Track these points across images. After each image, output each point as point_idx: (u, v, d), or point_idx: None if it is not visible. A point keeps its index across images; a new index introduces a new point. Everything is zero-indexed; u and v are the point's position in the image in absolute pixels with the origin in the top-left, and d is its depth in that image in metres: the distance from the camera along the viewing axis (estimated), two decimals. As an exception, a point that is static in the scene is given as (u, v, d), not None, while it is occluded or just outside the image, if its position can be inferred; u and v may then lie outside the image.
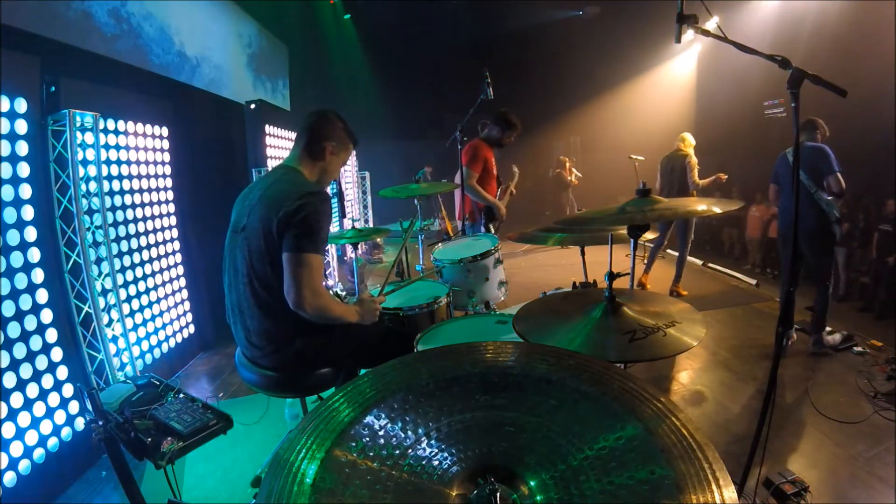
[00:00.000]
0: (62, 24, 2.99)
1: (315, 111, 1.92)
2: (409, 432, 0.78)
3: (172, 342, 3.66)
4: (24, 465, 2.18)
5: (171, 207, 3.74)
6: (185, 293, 3.88)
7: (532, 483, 0.69)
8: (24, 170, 2.31)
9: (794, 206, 1.68)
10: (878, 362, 3.23)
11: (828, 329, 3.59)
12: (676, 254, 7.45)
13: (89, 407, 1.39)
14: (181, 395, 1.67)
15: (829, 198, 3.35)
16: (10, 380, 2.15)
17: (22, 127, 2.30)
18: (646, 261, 5.68)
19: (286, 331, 1.72)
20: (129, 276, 3.18)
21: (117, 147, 3.09)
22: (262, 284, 1.69)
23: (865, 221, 6.50)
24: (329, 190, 2.21)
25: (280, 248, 1.63)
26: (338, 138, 1.89)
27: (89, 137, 2.73)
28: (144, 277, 3.36)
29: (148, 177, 3.44)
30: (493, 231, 3.84)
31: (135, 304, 3.22)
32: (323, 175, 1.90)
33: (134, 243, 3.25)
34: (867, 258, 6.45)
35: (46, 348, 2.38)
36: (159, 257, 3.57)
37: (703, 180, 5.23)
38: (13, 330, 2.20)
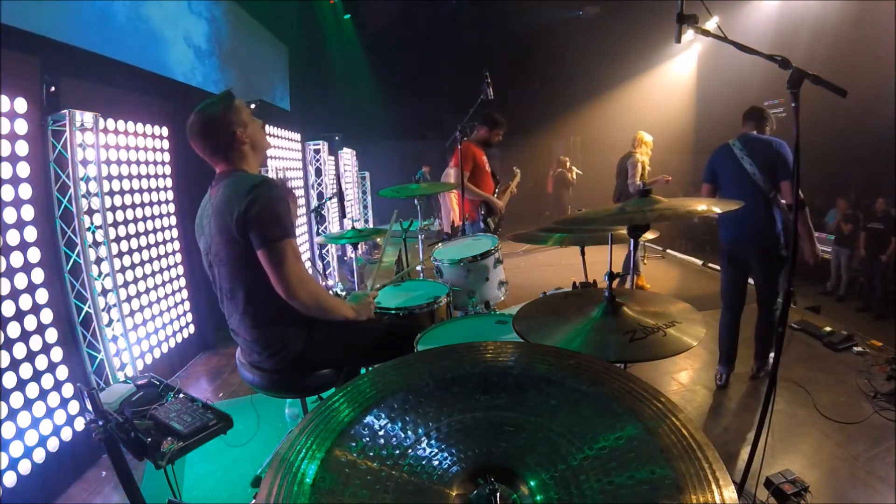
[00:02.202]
0: (73, 25, 2.99)
1: (190, 125, 1.69)
2: (409, 432, 0.78)
3: (172, 342, 3.66)
4: (24, 466, 2.18)
5: (171, 207, 3.74)
6: (185, 293, 3.88)
7: (532, 483, 0.69)
8: (24, 170, 2.31)
9: (794, 211, 1.67)
10: (878, 362, 3.23)
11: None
12: (676, 253, 7.47)
13: (89, 407, 1.39)
14: (181, 395, 1.67)
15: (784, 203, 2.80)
16: (10, 380, 2.15)
17: (22, 127, 2.30)
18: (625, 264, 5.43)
19: (280, 337, 1.71)
20: (129, 276, 3.18)
21: (117, 147, 3.09)
22: (245, 293, 1.66)
23: (865, 221, 6.52)
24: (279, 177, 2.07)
25: (250, 255, 1.58)
26: (233, 119, 1.69)
27: (89, 137, 2.73)
28: (144, 277, 3.36)
29: (148, 177, 3.43)
30: (492, 226, 3.91)
31: (135, 304, 3.22)
32: (256, 154, 1.77)
33: (134, 243, 3.25)
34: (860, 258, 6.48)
35: (46, 348, 2.38)
36: (159, 257, 3.57)
37: (646, 182, 4.96)
38: (13, 330, 2.19)
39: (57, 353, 2.44)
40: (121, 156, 3.13)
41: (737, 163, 2.88)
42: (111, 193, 3.03)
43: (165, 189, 3.66)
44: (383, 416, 0.81)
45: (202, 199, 1.85)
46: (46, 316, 2.40)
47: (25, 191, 2.31)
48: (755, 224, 2.85)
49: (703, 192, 3.16)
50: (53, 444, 2.35)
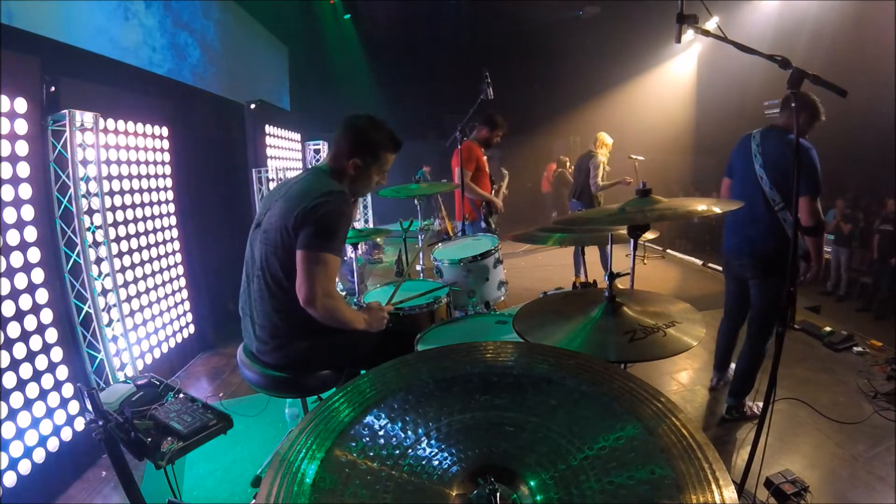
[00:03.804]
0: (71, 24, 2.99)
1: (351, 117, 1.81)
2: (409, 432, 0.78)
3: (172, 342, 3.66)
4: (24, 466, 2.18)
5: (171, 207, 3.74)
6: (185, 293, 3.88)
7: (532, 483, 0.69)
8: (24, 170, 2.31)
9: (795, 211, 1.67)
10: (878, 362, 3.23)
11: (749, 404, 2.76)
12: (676, 253, 7.47)
13: (89, 407, 1.39)
14: (181, 395, 1.67)
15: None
16: (10, 380, 2.15)
17: (22, 127, 2.30)
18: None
19: (291, 328, 1.74)
20: (129, 276, 3.18)
21: (117, 147, 3.09)
22: (274, 280, 1.71)
23: (865, 221, 6.51)
24: None
25: (293, 248, 1.64)
26: (367, 152, 1.78)
27: (89, 137, 2.73)
28: (144, 277, 3.36)
29: (148, 177, 3.43)
30: (492, 224, 3.96)
31: (135, 303, 3.22)
32: (352, 187, 1.82)
33: (134, 243, 3.25)
34: (867, 258, 6.45)
35: (46, 348, 2.38)
36: (159, 257, 3.57)
37: (605, 182, 4.96)
38: (13, 330, 2.19)
39: (57, 353, 2.44)
40: (121, 156, 3.12)
41: (749, 159, 2.48)
42: (111, 193, 3.03)
43: (165, 189, 3.66)
44: (383, 416, 0.81)
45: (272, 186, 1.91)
46: (46, 316, 2.40)
47: (25, 191, 2.31)
48: (754, 236, 2.51)
49: (722, 188, 2.77)
50: (53, 444, 2.35)
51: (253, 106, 4.78)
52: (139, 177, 3.33)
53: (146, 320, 3.33)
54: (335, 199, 1.65)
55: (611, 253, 2.02)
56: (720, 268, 6.32)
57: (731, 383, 2.79)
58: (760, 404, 2.74)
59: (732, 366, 3.13)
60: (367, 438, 0.77)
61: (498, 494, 0.66)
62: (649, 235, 1.98)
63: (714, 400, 3.02)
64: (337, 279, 5.22)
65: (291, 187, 1.76)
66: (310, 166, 1.89)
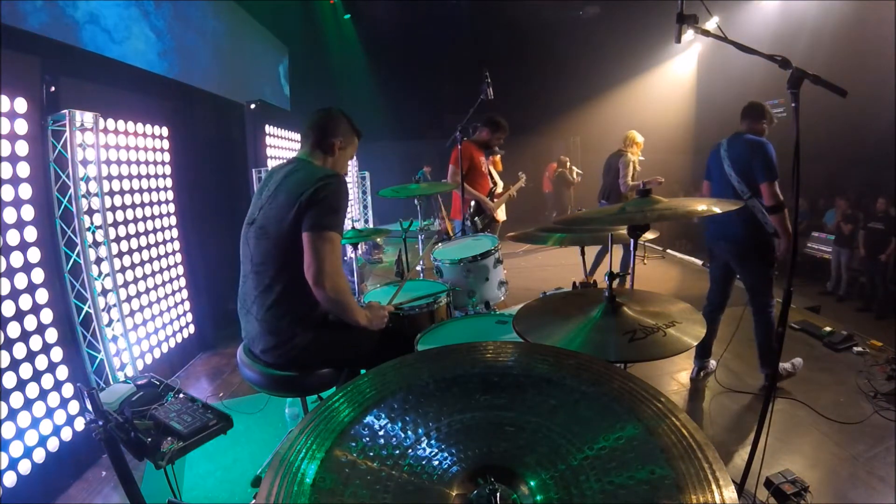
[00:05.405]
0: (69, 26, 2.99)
1: (320, 109, 1.98)
2: (409, 432, 0.78)
3: (172, 342, 3.66)
4: (24, 466, 2.18)
5: (171, 207, 3.74)
6: (185, 293, 3.88)
7: (532, 483, 0.69)
8: (24, 170, 2.31)
9: (795, 211, 1.67)
10: (878, 362, 3.23)
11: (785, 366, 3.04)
12: (676, 253, 7.47)
13: (89, 407, 1.39)
14: (181, 395, 1.67)
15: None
16: (10, 380, 2.15)
17: (22, 127, 2.30)
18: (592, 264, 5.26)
19: (291, 322, 1.74)
20: (129, 276, 3.18)
21: (117, 147, 3.09)
22: (273, 273, 1.72)
23: (865, 221, 6.52)
24: None
25: (296, 237, 1.66)
26: (344, 134, 1.95)
27: (89, 137, 2.73)
28: (144, 277, 3.36)
29: (148, 177, 3.43)
30: (479, 225, 4.00)
31: (135, 303, 3.22)
32: (336, 167, 1.95)
33: (134, 243, 3.25)
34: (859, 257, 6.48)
35: (46, 348, 2.38)
36: (159, 257, 3.57)
37: (636, 182, 4.84)
38: (13, 330, 2.19)
39: (57, 353, 2.44)
40: (121, 156, 3.12)
41: (720, 163, 2.93)
42: (111, 193, 3.03)
43: (165, 189, 3.66)
44: (383, 416, 0.81)
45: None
46: (46, 316, 2.40)
47: (25, 191, 2.31)
48: (727, 223, 2.90)
49: (703, 189, 3.22)
50: (53, 444, 2.35)
51: (253, 106, 4.78)
52: (139, 177, 3.33)
53: (146, 320, 3.33)
54: (333, 180, 1.72)
55: (611, 253, 2.03)
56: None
57: (759, 358, 3.03)
58: (798, 360, 3.12)
59: (713, 363, 3.27)
60: (367, 438, 0.77)
61: (498, 494, 0.66)
62: (649, 235, 1.98)
63: (714, 400, 3.02)
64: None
65: (281, 182, 1.78)
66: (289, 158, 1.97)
